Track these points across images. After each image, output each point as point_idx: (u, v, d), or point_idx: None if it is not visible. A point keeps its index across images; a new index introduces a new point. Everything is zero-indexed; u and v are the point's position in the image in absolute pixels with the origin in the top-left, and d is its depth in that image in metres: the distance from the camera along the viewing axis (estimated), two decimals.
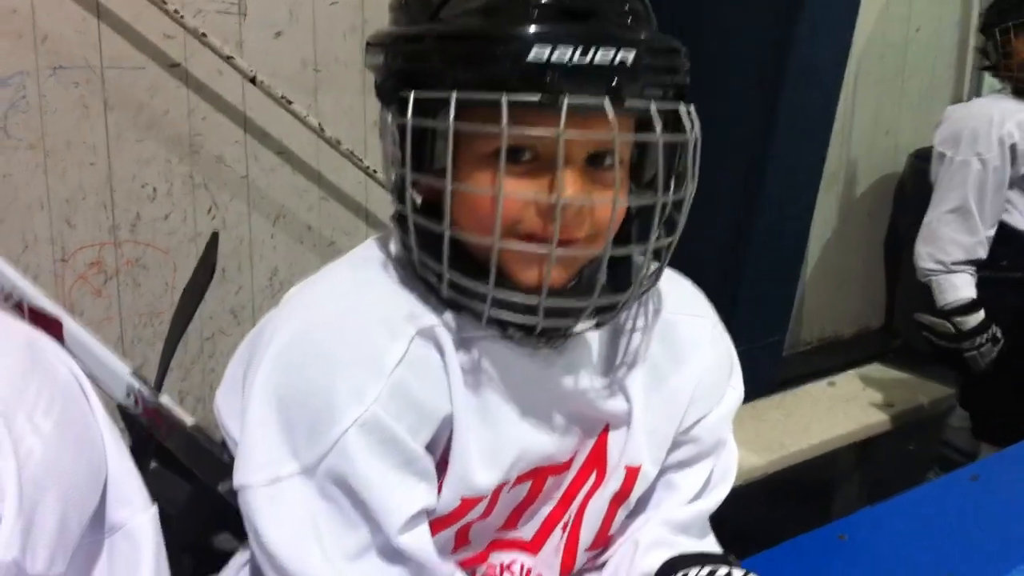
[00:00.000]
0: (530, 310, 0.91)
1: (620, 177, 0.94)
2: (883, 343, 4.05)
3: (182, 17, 2.28)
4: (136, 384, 1.52)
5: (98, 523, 0.75)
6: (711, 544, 1.15)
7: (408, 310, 0.95)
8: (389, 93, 0.93)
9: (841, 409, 3.03)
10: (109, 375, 1.52)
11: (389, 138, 0.94)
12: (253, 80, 2.39)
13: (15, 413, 0.65)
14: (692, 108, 0.95)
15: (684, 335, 1.09)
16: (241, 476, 0.94)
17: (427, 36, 0.91)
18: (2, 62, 2.18)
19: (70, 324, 1.52)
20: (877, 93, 3.98)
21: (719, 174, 3.01)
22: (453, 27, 0.91)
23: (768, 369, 3.29)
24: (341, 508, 0.92)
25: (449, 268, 0.92)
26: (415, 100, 0.89)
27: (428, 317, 0.95)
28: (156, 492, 1.57)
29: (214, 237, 1.85)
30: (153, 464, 1.56)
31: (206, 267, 1.80)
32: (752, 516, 2.59)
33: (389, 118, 0.93)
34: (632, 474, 1.06)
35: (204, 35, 2.32)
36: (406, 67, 0.92)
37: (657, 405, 1.06)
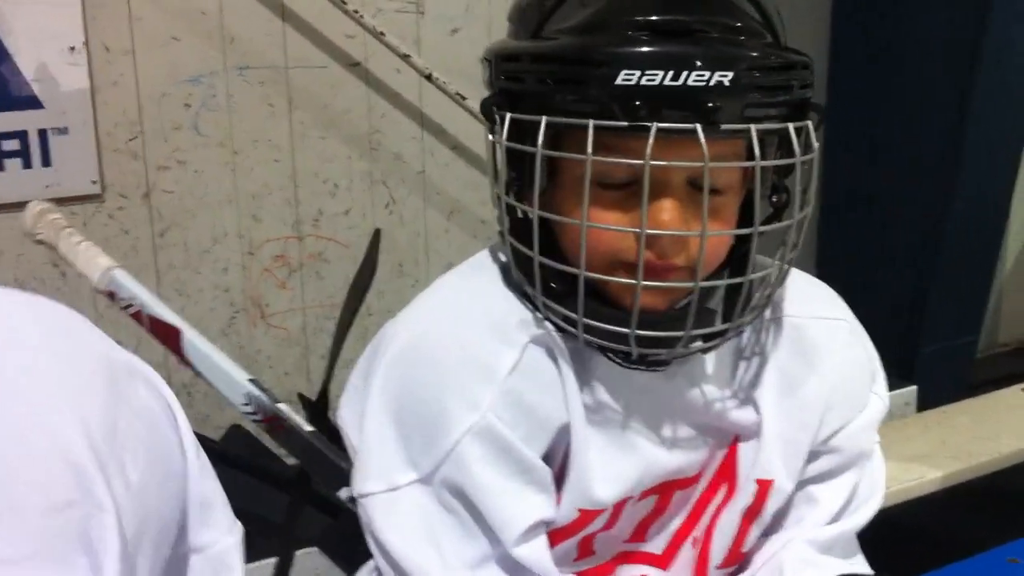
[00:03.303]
0: (624, 338, 0.87)
1: (725, 203, 0.89)
2: None
3: (361, 17, 2.33)
4: (255, 391, 1.54)
5: (180, 542, 0.73)
6: (859, 565, 1.08)
7: (521, 318, 0.93)
8: (489, 111, 0.91)
9: None
10: (227, 383, 1.55)
11: (491, 156, 0.92)
12: (428, 77, 2.42)
13: (108, 462, 0.60)
14: (810, 125, 0.87)
15: (816, 339, 1.02)
16: (360, 485, 0.94)
17: (523, 55, 0.89)
18: (193, 62, 2.28)
19: (189, 333, 1.55)
20: None
21: (907, 169, 2.91)
22: (546, 47, 0.87)
23: (959, 372, 3.13)
24: (459, 518, 0.91)
25: (544, 293, 0.89)
26: (513, 120, 0.87)
27: (542, 325, 0.92)
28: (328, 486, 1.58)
29: (376, 235, 1.87)
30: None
31: (368, 265, 1.82)
32: (936, 529, 2.47)
33: (490, 136, 0.91)
34: (764, 488, 1.00)
35: (383, 34, 2.36)
36: (505, 86, 0.90)
37: (790, 414, 1.00)
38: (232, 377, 1.55)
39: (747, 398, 1.00)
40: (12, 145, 2.07)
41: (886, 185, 3.00)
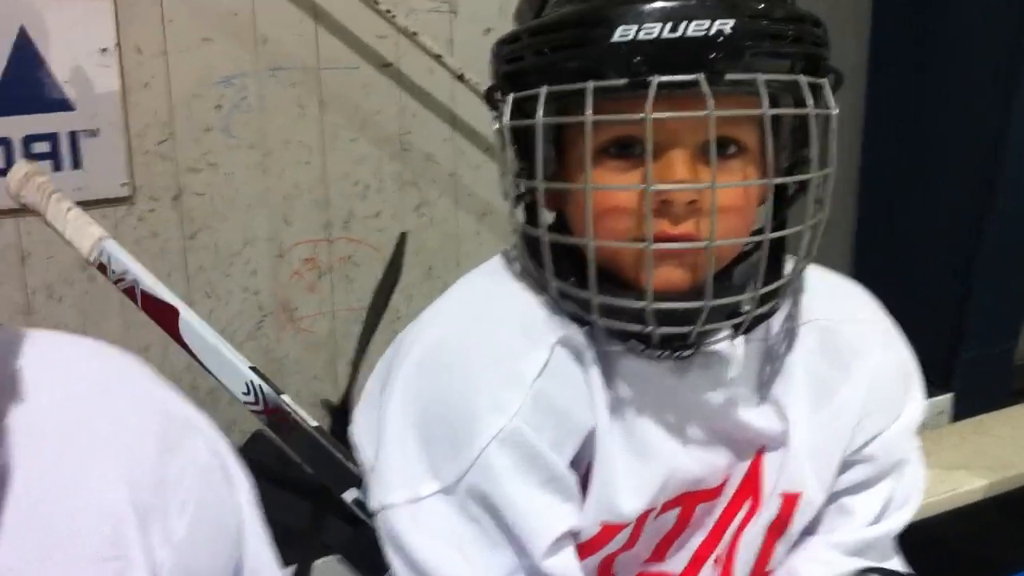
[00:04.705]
0: (641, 317, 0.84)
1: (743, 166, 0.86)
2: None
3: (394, 17, 2.31)
4: (256, 379, 1.46)
5: None
6: (895, 566, 1.04)
7: (546, 317, 0.90)
8: (491, 97, 0.91)
9: None
10: (228, 370, 1.47)
11: (498, 146, 0.90)
12: (461, 78, 2.40)
13: (151, 518, 0.60)
14: (826, 83, 0.84)
15: (848, 343, 0.98)
16: (380, 496, 0.90)
17: (522, 33, 0.87)
18: (224, 63, 2.27)
19: (187, 314, 1.45)
20: None
21: (946, 173, 2.86)
22: (543, 20, 0.86)
23: (997, 379, 3.08)
24: (484, 529, 0.88)
25: (557, 276, 0.87)
26: (517, 102, 0.86)
27: (567, 326, 0.90)
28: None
29: (402, 238, 1.84)
30: None
31: (393, 269, 1.78)
32: (973, 543, 2.42)
33: (495, 125, 0.90)
34: (790, 501, 0.97)
35: (415, 34, 2.34)
36: (506, 69, 0.89)
37: (822, 423, 0.96)
38: (232, 363, 1.47)
39: (775, 406, 0.97)
40: (43, 147, 2.07)
41: (924, 189, 2.95)
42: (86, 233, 1.47)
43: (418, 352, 0.92)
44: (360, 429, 0.98)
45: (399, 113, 2.50)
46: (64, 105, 2.08)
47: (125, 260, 1.45)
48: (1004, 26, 2.64)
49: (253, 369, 1.48)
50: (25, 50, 2.03)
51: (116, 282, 1.46)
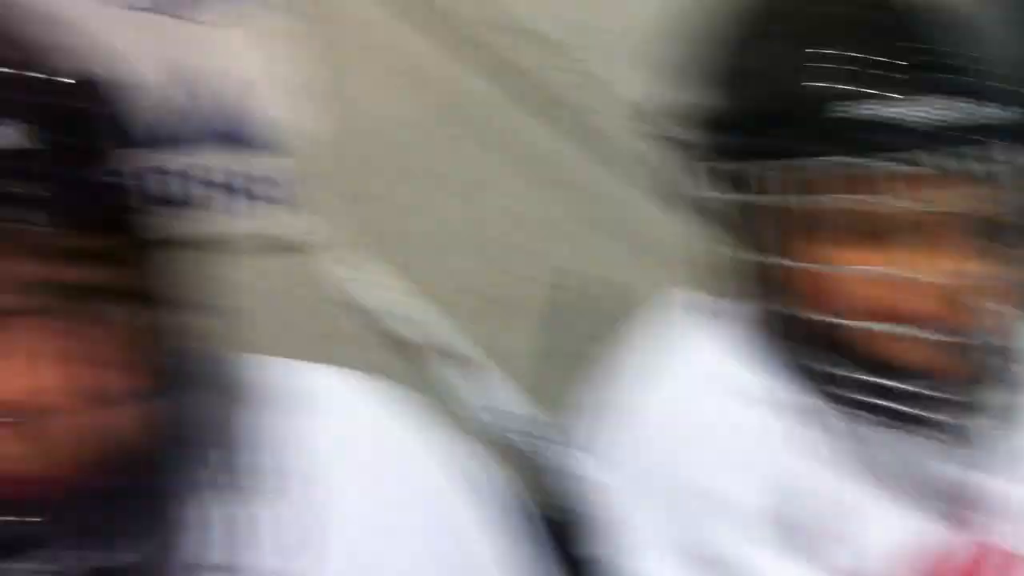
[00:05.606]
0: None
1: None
2: None
3: None
4: None
5: None
6: None
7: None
8: (737, 173, 0.79)
9: None
10: None
11: (709, 214, 0.82)
12: None
13: None
14: None
15: None
16: None
17: (759, 102, 0.79)
18: None
19: None
20: None
21: None
22: (789, 88, 0.76)
23: None
24: None
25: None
26: (739, 174, 0.78)
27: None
28: None
29: None
30: None
31: None
32: None
33: (719, 196, 0.81)
34: None
35: None
36: (742, 139, 0.79)
37: None
38: None
39: None
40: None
41: None
42: None
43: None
44: None
45: None
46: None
47: None
48: None
49: None
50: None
51: None
